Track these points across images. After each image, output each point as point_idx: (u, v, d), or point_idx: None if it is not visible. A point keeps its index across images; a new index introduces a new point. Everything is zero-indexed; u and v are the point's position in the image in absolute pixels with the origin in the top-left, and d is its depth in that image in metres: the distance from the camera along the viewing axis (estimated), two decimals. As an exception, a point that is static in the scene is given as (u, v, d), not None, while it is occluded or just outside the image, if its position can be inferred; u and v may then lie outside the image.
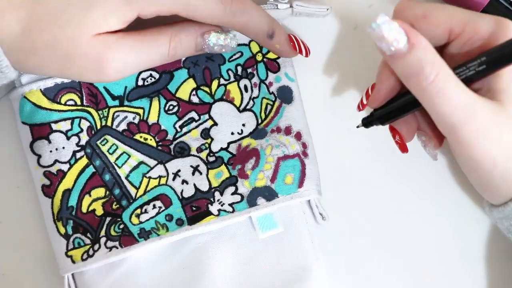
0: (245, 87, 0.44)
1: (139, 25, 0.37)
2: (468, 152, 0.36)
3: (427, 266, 0.45)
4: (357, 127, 0.42)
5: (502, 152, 0.36)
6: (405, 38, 0.34)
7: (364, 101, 0.42)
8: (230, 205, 0.43)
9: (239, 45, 0.44)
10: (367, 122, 0.42)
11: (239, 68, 0.44)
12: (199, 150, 0.44)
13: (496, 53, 0.35)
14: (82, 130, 0.43)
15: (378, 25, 0.33)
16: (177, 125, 0.44)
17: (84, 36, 0.36)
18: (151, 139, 0.43)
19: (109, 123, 0.43)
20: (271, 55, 0.45)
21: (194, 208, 0.43)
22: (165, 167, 0.43)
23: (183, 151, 0.43)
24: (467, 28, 0.36)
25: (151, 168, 0.43)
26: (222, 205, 0.43)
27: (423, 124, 0.41)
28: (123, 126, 0.43)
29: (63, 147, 0.43)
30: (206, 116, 0.44)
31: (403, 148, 0.41)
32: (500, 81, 0.36)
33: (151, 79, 0.44)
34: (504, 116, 0.35)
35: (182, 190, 0.43)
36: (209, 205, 0.43)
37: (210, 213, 0.42)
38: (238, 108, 0.44)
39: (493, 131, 0.35)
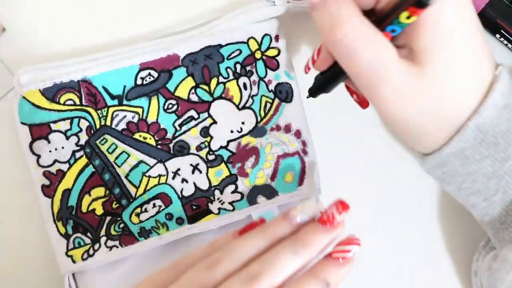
0: (244, 85, 0.44)
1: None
2: (383, 112, 0.36)
3: (427, 266, 0.45)
4: (307, 97, 0.41)
5: (418, 112, 0.36)
6: None
7: (310, 65, 0.40)
8: (230, 203, 0.43)
9: (237, 43, 0.44)
10: (312, 91, 0.41)
11: (238, 66, 0.44)
12: (199, 148, 0.43)
13: None
14: (81, 130, 0.43)
15: None
16: (176, 124, 0.44)
17: None
18: (150, 138, 0.43)
19: (108, 123, 0.43)
20: (270, 53, 0.44)
21: (194, 207, 0.43)
22: (164, 166, 0.43)
23: (183, 149, 0.43)
24: None
25: (151, 167, 0.43)
26: (222, 204, 0.43)
27: (353, 84, 0.40)
28: (122, 126, 0.43)
29: (63, 147, 0.43)
30: (206, 115, 0.44)
31: (363, 104, 0.41)
32: (418, 41, 0.35)
33: (150, 78, 0.43)
34: (420, 78, 0.35)
35: (182, 189, 0.43)
36: (209, 204, 0.43)
37: (210, 212, 0.42)
38: (237, 106, 0.44)
39: (409, 93, 0.35)
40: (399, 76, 0.35)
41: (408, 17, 0.33)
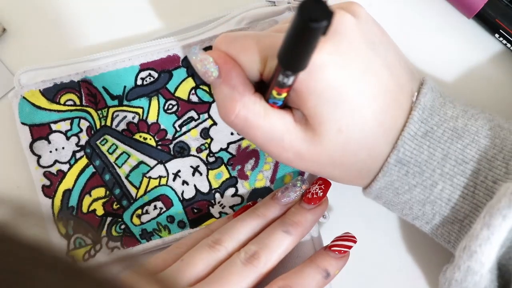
0: (244, 85, 0.44)
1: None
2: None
3: (427, 266, 0.45)
4: None
5: (328, 170, 0.37)
6: (216, 72, 0.35)
7: None
8: (231, 207, 0.43)
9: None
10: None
11: (238, 67, 0.44)
12: (199, 150, 0.44)
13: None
14: (81, 130, 0.43)
15: (192, 55, 0.35)
16: (176, 124, 0.44)
17: None
18: (150, 139, 0.43)
19: (108, 123, 0.43)
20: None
21: (195, 210, 0.43)
22: (165, 167, 0.43)
23: (183, 150, 0.43)
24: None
25: (151, 168, 0.43)
26: (223, 208, 0.43)
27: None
28: (122, 126, 0.43)
29: (63, 147, 0.43)
30: (206, 115, 0.44)
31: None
32: (305, 108, 0.35)
33: (150, 78, 0.43)
34: (315, 142, 0.35)
35: (183, 191, 0.43)
36: (210, 207, 0.43)
37: (211, 216, 0.43)
38: (237, 107, 0.44)
39: (310, 157, 0.36)
40: (296, 143, 0.36)
41: (279, 94, 0.34)
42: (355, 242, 0.40)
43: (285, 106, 0.36)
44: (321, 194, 0.41)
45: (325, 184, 0.41)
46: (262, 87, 0.36)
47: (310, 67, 0.31)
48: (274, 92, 0.34)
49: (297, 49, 0.29)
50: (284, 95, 0.35)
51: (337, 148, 0.36)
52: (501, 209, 0.34)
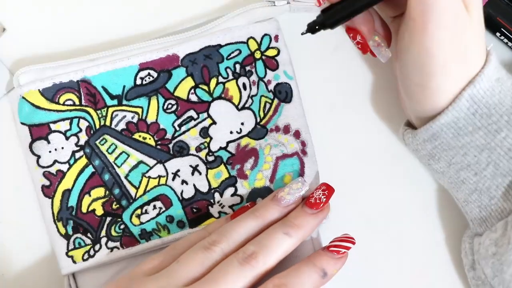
0: (244, 85, 0.44)
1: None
2: (427, 41, 0.36)
3: (428, 266, 0.45)
4: (302, 34, 0.39)
5: (453, 52, 0.37)
6: None
7: None
8: (230, 207, 0.43)
9: (237, 43, 0.44)
10: (312, 26, 0.38)
11: (238, 66, 0.44)
12: (198, 149, 0.43)
13: None
14: (81, 130, 0.43)
15: None
16: (175, 124, 0.44)
17: None
18: (150, 138, 0.43)
19: (107, 123, 0.43)
20: (269, 53, 0.44)
21: (195, 210, 0.43)
22: (164, 166, 0.43)
23: (182, 150, 0.43)
24: None
25: (151, 168, 0.43)
26: (222, 207, 0.43)
27: (377, 24, 0.41)
28: (122, 126, 0.43)
29: (62, 147, 0.43)
30: (205, 115, 0.44)
31: (365, 48, 0.41)
32: None
33: (149, 78, 0.43)
34: (463, 23, 0.36)
35: (182, 191, 0.43)
36: (210, 207, 0.43)
37: (211, 215, 0.43)
38: (236, 107, 0.44)
39: (452, 29, 0.36)
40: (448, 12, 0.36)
41: None
42: (353, 243, 0.40)
43: None
44: (324, 199, 0.41)
45: (329, 190, 0.41)
46: None
47: None
48: None
49: None
50: None
51: (470, 35, 0.37)
52: None
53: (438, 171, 0.41)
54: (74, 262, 0.42)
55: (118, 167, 0.43)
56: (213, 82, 0.44)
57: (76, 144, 0.43)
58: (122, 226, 0.42)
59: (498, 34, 0.45)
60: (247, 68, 0.44)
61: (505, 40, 0.45)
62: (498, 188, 0.39)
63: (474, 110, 0.38)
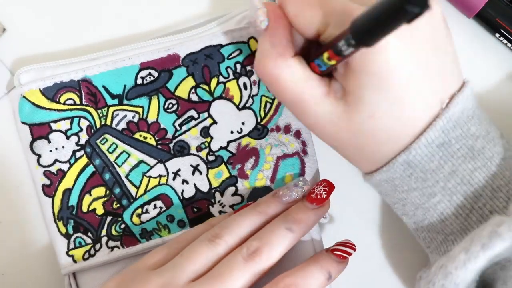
0: (244, 85, 0.44)
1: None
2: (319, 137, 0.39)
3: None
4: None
5: (341, 146, 0.38)
6: (265, 24, 0.37)
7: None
8: (231, 206, 0.43)
9: (238, 42, 0.44)
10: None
11: (238, 66, 0.44)
12: (199, 149, 0.44)
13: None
14: (81, 130, 0.43)
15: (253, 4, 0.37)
16: (176, 124, 0.44)
17: None
18: (150, 138, 0.43)
19: (108, 122, 0.43)
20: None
21: (195, 210, 0.43)
22: (165, 166, 0.43)
23: (183, 149, 0.43)
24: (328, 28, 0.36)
25: (151, 167, 0.43)
26: (223, 207, 0.43)
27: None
28: (122, 125, 0.43)
29: (63, 147, 0.43)
30: (206, 114, 0.44)
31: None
32: (347, 83, 0.35)
33: (150, 77, 0.43)
34: (343, 116, 0.36)
35: (183, 190, 0.43)
36: (210, 207, 0.43)
37: (211, 215, 0.43)
38: (237, 106, 0.44)
39: (328, 127, 0.37)
40: (321, 114, 0.36)
41: (329, 59, 0.34)
42: (354, 250, 0.40)
43: (326, 74, 0.37)
44: (325, 195, 0.41)
45: (329, 186, 0.41)
46: (308, 52, 0.38)
47: (374, 47, 0.30)
48: (325, 55, 0.34)
49: (378, 24, 0.28)
50: (333, 62, 0.34)
51: (361, 130, 0.36)
52: (482, 237, 0.34)
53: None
54: (75, 261, 0.42)
55: (119, 166, 0.43)
56: (213, 81, 0.44)
57: (77, 144, 0.43)
58: (122, 226, 0.43)
59: (497, 35, 0.45)
60: (248, 68, 0.44)
61: (504, 41, 0.45)
62: (432, 241, 0.39)
63: (409, 173, 0.37)
